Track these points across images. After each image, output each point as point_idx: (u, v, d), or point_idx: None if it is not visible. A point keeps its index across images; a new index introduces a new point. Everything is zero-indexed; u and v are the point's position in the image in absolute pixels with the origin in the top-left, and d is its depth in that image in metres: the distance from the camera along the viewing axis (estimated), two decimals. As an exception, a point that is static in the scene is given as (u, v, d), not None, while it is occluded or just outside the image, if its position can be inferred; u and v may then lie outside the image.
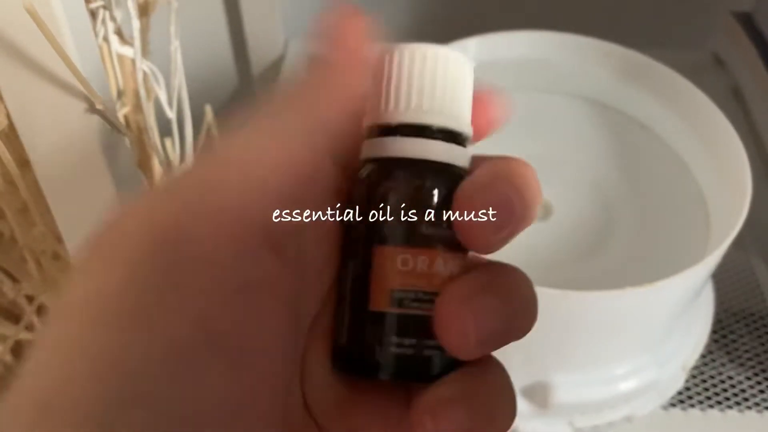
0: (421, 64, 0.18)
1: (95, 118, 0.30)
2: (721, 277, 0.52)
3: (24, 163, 0.34)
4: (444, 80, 0.18)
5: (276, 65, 0.72)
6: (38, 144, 0.31)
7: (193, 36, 0.71)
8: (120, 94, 0.40)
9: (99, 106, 0.28)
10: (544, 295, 0.33)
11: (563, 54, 0.46)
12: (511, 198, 0.16)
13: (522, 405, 0.38)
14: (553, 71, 0.47)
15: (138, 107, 0.42)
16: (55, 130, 0.31)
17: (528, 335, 0.37)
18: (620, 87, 0.46)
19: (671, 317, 0.38)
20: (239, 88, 0.78)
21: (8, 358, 0.42)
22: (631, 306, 0.35)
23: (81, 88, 0.28)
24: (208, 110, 0.50)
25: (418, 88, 0.18)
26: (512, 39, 0.46)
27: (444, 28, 0.55)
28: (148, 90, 0.40)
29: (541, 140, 0.46)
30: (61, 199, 0.35)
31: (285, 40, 0.73)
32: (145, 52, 0.41)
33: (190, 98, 0.45)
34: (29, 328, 0.41)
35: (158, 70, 0.41)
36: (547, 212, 0.41)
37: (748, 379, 0.47)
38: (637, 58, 0.44)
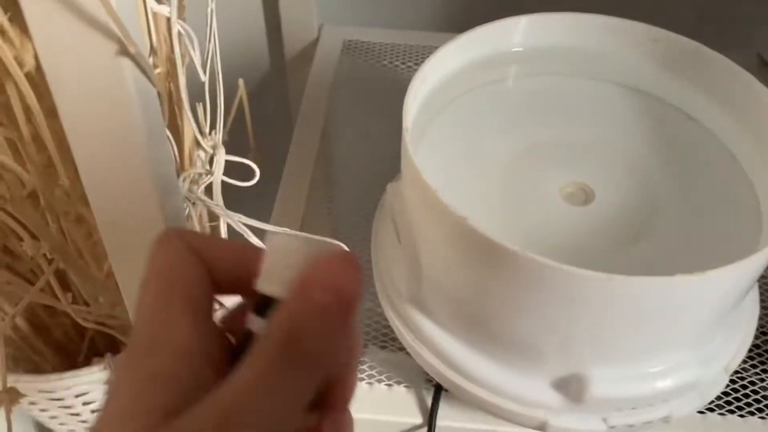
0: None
1: (128, 66, 0.29)
2: (765, 281, 0.50)
3: (51, 113, 0.33)
4: None
5: (309, 49, 0.71)
6: (67, 90, 0.30)
7: (229, 18, 0.70)
8: (153, 52, 0.39)
9: (132, 49, 0.27)
10: (586, 279, 0.31)
11: (611, 39, 0.44)
12: None
13: (554, 398, 0.36)
14: (600, 57, 0.45)
15: (171, 71, 0.41)
16: (85, 75, 0.29)
17: (566, 323, 0.35)
18: (667, 75, 0.44)
19: (717, 313, 0.35)
20: (271, 70, 0.77)
21: (20, 321, 0.40)
22: (678, 295, 0.33)
23: (114, 28, 0.27)
24: (241, 83, 0.49)
25: None
26: (560, 21, 0.44)
27: (480, 12, 0.53)
28: (182, 51, 0.39)
29: (584, 126, 0.44)
30: (89, 154, 0.33)
31: (319, 25, 0.72)
32: (181, 12, 0.40)
33: (223, 78, 0.44)
34: (45, 290, 0.39)
35: (193, 34, 0.40)
36: (588, 198, 0.39)
37: (792, 388, 0.44)
38: (687, 45, 0.42)
